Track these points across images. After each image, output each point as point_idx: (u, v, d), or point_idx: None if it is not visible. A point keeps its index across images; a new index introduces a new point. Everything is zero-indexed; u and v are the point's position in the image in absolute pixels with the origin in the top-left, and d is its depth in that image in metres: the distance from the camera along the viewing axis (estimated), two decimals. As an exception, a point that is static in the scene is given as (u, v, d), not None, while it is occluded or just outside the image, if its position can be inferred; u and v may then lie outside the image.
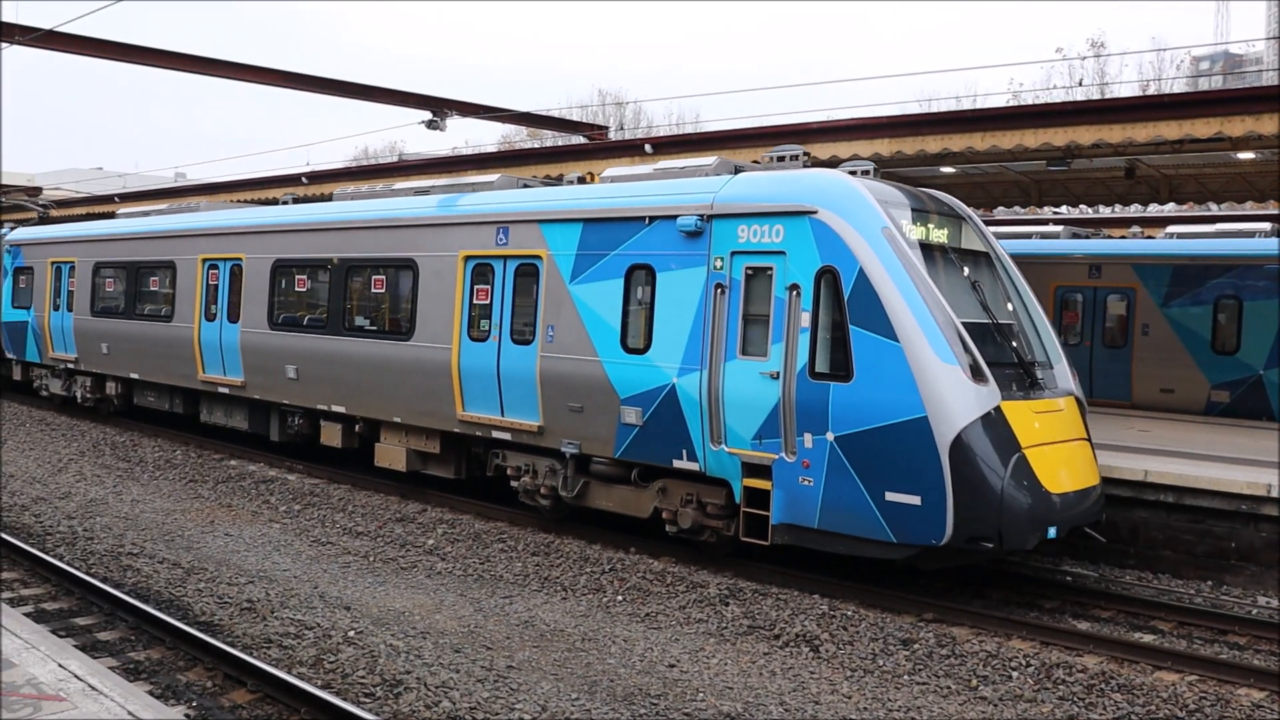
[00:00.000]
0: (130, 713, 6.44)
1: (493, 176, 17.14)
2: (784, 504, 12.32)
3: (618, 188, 14.65)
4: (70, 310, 26.06)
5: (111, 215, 29.07)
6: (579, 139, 29.97)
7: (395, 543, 14.88)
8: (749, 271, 12.75)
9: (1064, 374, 12.98)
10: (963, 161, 18.44)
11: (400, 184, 19.26)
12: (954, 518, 11.21)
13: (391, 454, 17.47)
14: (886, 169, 20.12)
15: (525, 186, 16.58)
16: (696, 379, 13.04)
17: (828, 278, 12.06)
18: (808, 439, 12.06)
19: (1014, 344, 12.56)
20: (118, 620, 11.07)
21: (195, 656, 9.95)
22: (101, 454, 21.51)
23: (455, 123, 26.53)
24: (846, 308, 11.83)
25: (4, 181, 63.75)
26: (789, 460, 12.23)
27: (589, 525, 15.39)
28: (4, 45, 20.03)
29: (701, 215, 13.15)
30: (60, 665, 7.22)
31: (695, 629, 11.49)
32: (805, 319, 12.17)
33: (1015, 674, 10.20)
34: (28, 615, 10.25)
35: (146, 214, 25.51)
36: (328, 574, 13.14)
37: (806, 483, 12.10)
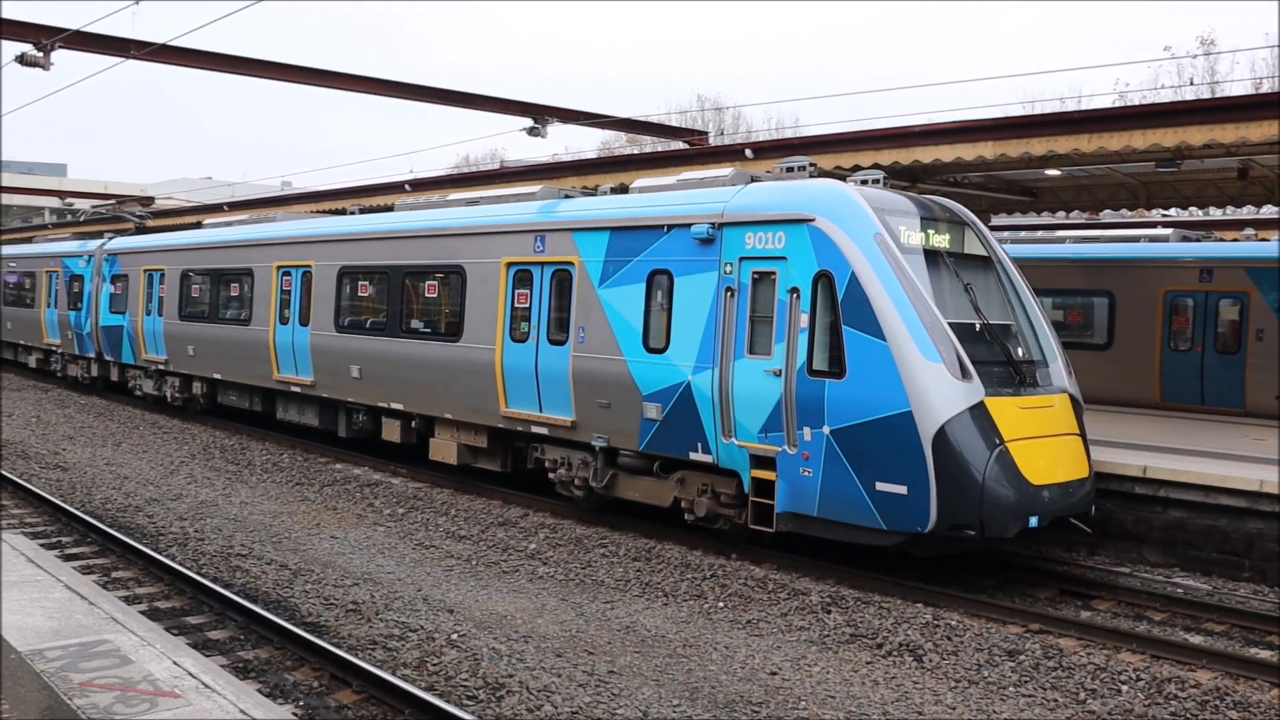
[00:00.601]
0: (242, 711, 6.56)
1: (535, 188, 18.32)
2: (787, 493, 13.17)
3: (641, 198, 15.70)
4: (160, 315, 27.69)
5: (199, 225, 30.57)
6: (679, 144, 29.99)
7: (497, 547, 14.99)
8: (755, 275, 13.66)
9: (1059, 372, 13.59)
10: (1068, 164, 18.09)
11: (454, 195, 20.52)
12: (937, 506, 11.95)
13: (444, 448, 18.64)
14: (990, 172, 19.85)
15: (566, 197, 17.54)
16: (709, 376, 13.99)
17: (824, 281, 12.92)
18: (806, 432, 12.92)
19: (1005, 343, 13.16)
20: (227, 620, 11.29)
21: (302, 656, 10.12)
22: (211, 457, 22.01)
23: (555, 129, 26.72)
24: (840, 309, 12.69)
25: (119, 192, 65.57)
26: (791, 452, 13.11)
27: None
28: (121, 59, 20.60)
29: (713, 223, 14.12)
30: (175, 663, 7.38)
31: (797, 636, 11.41)
32: (804, 320, 13.04)
33: (1125, 688, 9.97)
34: (143, 613, 10.49)
35: (229, 224, 26.89)
36: (431, 577, 13.28)
37: (806, 473, 12.95)
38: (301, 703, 9.14)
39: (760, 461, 13.53)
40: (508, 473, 18.03)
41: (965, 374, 12.17)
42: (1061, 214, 29.54)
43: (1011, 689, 9.97)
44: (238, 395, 24.88)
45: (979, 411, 12.11)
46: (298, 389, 22.13)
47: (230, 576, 13.00)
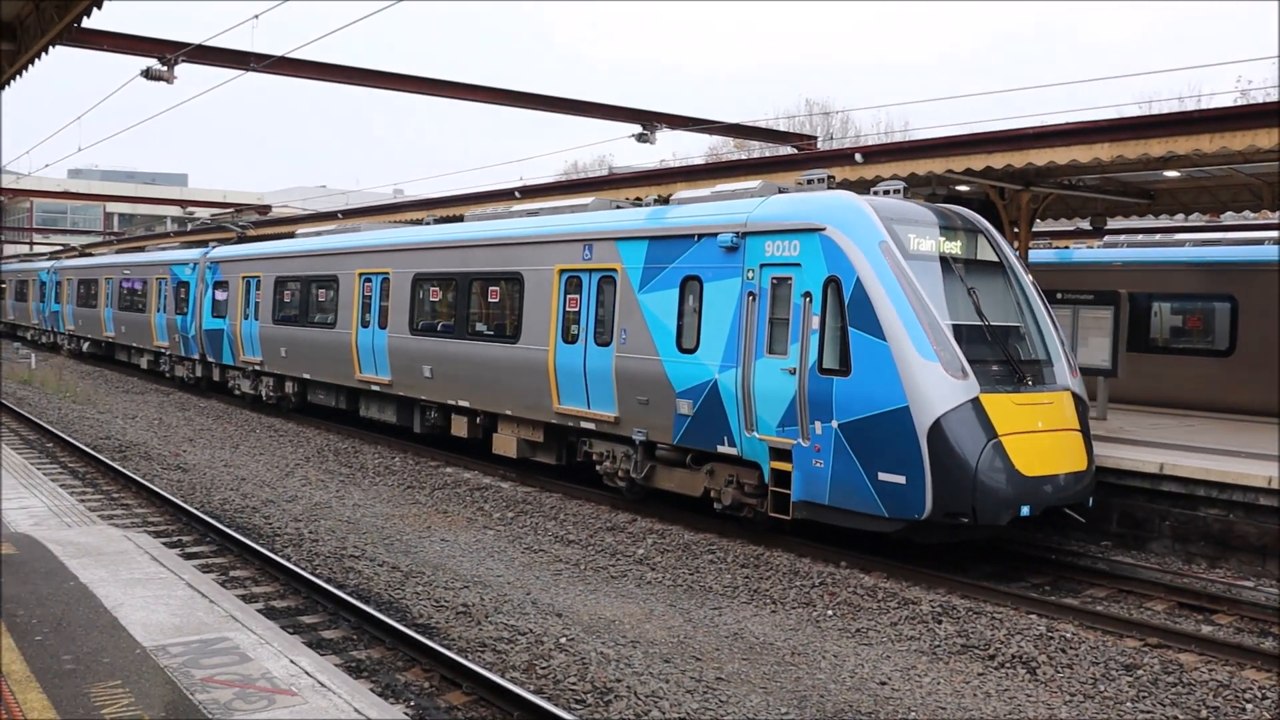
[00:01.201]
0: (357, 710, 6.66)
1: (588, 199, 19.80)
2: (802, 483, 14.13)
3: (677, 209, 16.87)
4: (256, 319, 29.47)
5: (292, 235, 32.47)
6: (788, 149, 29.84)
7: (605, 551, 15.05)
8: (774, 281, 14.71)
9: (1063, 372, 14.37)
10: (1188, 165, 17.62)
11: (516, 206, 22.27)
12: (932, 495, 12.86)
13: (505, 443, 19.95)
14: (1106, 174, 19.41)
15: (617, 208, 18.78)
16: (733, 374, 15.06)
17: (833, 286, 13.89)
18: (818, 426, 13.88)
19: (1006, 344, 14.01)
20: (340, 620, 11.49)
21: (413, 657, 10.25)
22: (325, 459, 22.43)
23: (663, 135, 26.74)
24: (847, 312, 13.66)
25: (237, 200, 67.16)
26: (804, 445, 14.07)
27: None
28: (241, 72, 21.11)
29: (737, 233, 15.25)
30: (292, 661, 7.52)
31: (907, 646, 11.27)
32: (815, 322, 14.02)
33: (1250, 706, 9.66)
34: (260, 612, 10.72)
35: (319, 234, 28.81)
36: (540, 581, 13.37)
37: (818, 465, 13.89)
38: (413, 703, 9.26)
39: (778, 453, 14.54)
40: (563, 465, 19.24)
41: (961, 372, 13.07)
42: (1180, 216, 28.78)
43: (1129, 704, 9.73)
44: (325, 394, 26.52)
45: (973, 407, 12.99)
46: (377, 388, 23.63)
47: (344, 577, 13.22)
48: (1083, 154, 15.84)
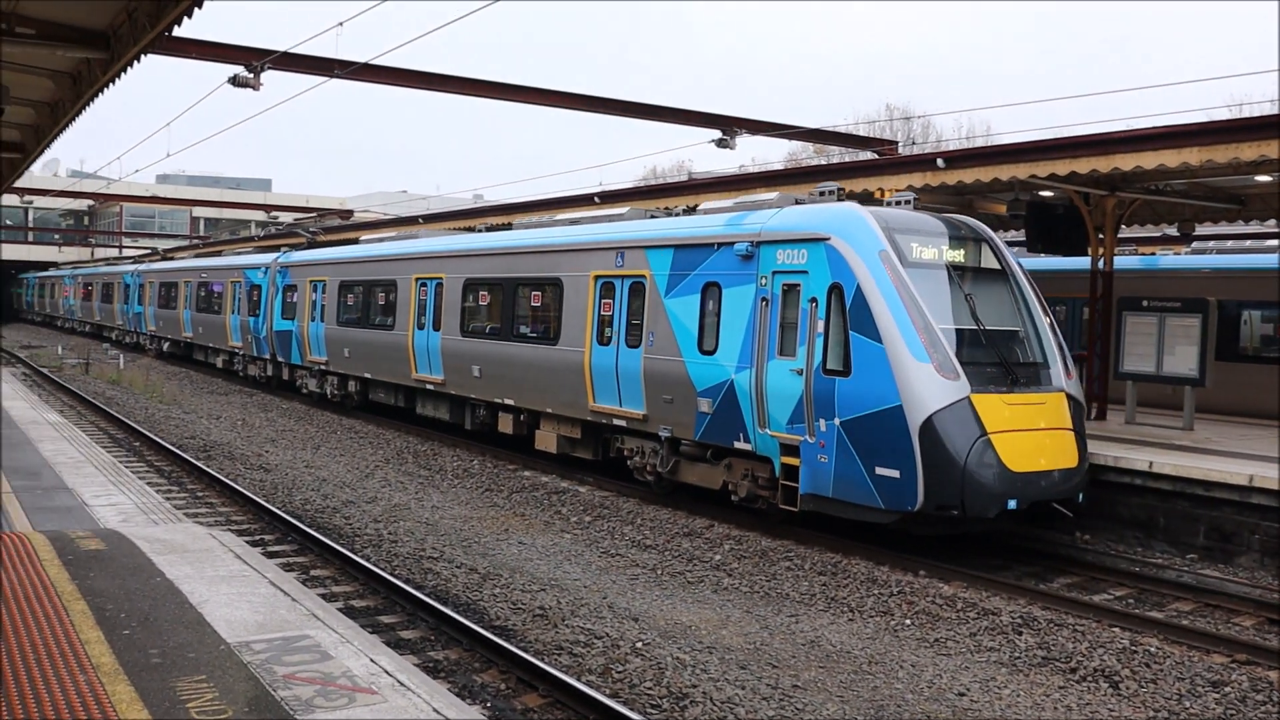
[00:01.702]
0: (435, 710, 6.73)
1: (624, 209, 21.25)
2: (808, 477, 15.14)
3: (699, 219, 18.20)
4: (322, 320, 31.10)
5: (355, 241, 34.10)
6: (868, 154, 29.66)
7: (682, 557, 15.04)
8: (785, 287, 15.79)
9: (1058, 374, 15.22)
10: (1282, 171, 17.23)
11: (560, 215, 23.85)
12: (924, 488, 13.78)
13: (547, 439, 21.13)
14: (1195, 179, 19.05)
15: (652, 218, 20.11)
16: (748, 375, 16.14)
17: (836, 292, 14.94)
18: (822, 423, 14.89)
19: (1001, 347, 14.94)
20: (418, 620, 11.60)
21: (490, 659, 10.33)
22: (405, 461, 22.67)
23: (743, 140, 26.70)
24: (848, 316, 14.68)
25: (319, 205, 68.09)
26: (810, 441, 15.09)
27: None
28: (325, 79, 21.43)
29: (752, 242, 16.35)
30: (372, 660, 7.61)
31: (986, 657, 11.13)
32: (821, 326, 15.07)
33: (1342, 724, 9.42)
34: (340, 611, 10.86)
35: (380, 240, 30.24)
36: (616, 585, 13.40)
37: (823, 460, 14.89)
38: (489, 704, 9.33)
39: (788, 449, 15.56)
40: (599, 460, 20.44)
41: (953, 373, 14.02)
42: (1272, 222, 28.15)
43: (1216, 720, 9.53)
44: (385, 393, 28.02)
45: (964, 406, 13.94)
46: (431, 387, 25.02)
47: (422, 578, 13.35)
48: (1171, 158, 15.56)
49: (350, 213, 59.05)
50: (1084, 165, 16.40)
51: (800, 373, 15.27)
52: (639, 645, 10.85)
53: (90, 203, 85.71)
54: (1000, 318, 15.39)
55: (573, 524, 17.03)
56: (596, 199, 26.54)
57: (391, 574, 13.16)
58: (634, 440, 19.02)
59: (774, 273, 16.00)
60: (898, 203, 16.32)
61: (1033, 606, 12.75)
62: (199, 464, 20.52)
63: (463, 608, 12.08)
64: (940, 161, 18.34)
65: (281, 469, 21.21)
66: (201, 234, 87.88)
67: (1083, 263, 23.34)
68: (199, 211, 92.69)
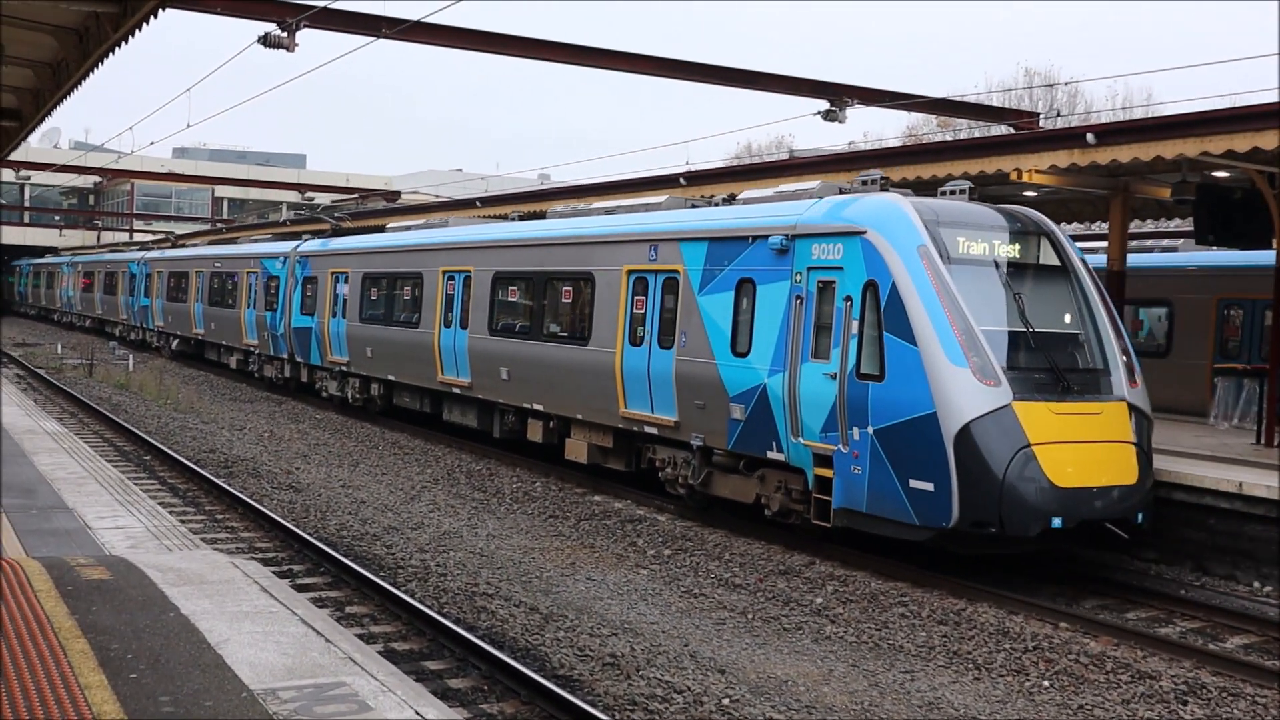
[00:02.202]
0: (488, 773, 6.71)
1: (661, 198, 22.26)
2: (841, 490, 15.95)
3: (735, 210, 19.22)
4: (344, 317, 32.18)
5: (382, 229, 35.17)
6: (1003, 128, 29.35)
7: (778, 599, 14.96)
8: (820, 285, 16.63)
9: (1120, 382, 15.90)
10: None
11: (595, 204, 24.69)
12: (959, 503, 14.56)
13: (577, 448, 22.15)
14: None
15: (693, 207, 21.03)
16: (781, 379, 16.99)
17: (871, 290, 15.74)
18: (855, 432, 15.69)
19: (1053, 351, 15.69)
20: (470, 667, 11.63)
21: (552, 715, 10.31)
22: (456, 482, 22.80)
23: (853, 112, 26.53)
24: (883, 317, 15.48)
25: (361, 185, 68.80)
26: (844, 451, 15.89)
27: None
28: (371, 39, 21.60)
29: (787, 235, 17.20)
30: (417, 713, 7.62)
31: (1141, 727, 10.92)
32: (855, 326, 15.87)
33: None
34: (380, 654, 10.91)
35: (408, 228, 31.67)
36: (700, 630, 13.34)
37: (856, 471, 15.68)
38: (552, 767, 9.31)
39: (821, 460, 16.36)
40: (632, 472, 21.36)
41: (993, 378, 14.81)
42: None
43: None
44: (410, 397, 29.20)
45: (1004, 414, 14.68)
46: (457, 390, 26.21)
47: (474, 618, 13.39)
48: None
49: (397, 194, 59.59)
50: (1270, 140, 16.04)
51: (834, 377, 16.09)
52: (726, 702, 10.78)
53: (96, 179, 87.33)
54: (1056, 319, 16.14)
55: (650, 558, 17.01)
56: (683, 180, 26.53)
57: (439, 612, 13.22)
58: (666, 450, 19.98)
59: (809, 269, 16.82)
60: (951, 192, 17.27)
61: (1200, 671, 12.49)
62: (219, 482, 20.80)
63: (521, 653, 12.09)
64: (1090, 137, 18.08)
65: (314, 489, 21.44)
66: (224, 217, 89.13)
67: (1264, 257, 22.86)
68: (222, 191, 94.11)
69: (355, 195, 58.20)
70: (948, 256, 15.65)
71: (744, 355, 17.78)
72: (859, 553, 16.77)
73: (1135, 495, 15.29)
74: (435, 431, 28.46)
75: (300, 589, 14.01)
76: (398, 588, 14.29)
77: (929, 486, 14.83)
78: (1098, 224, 30.16)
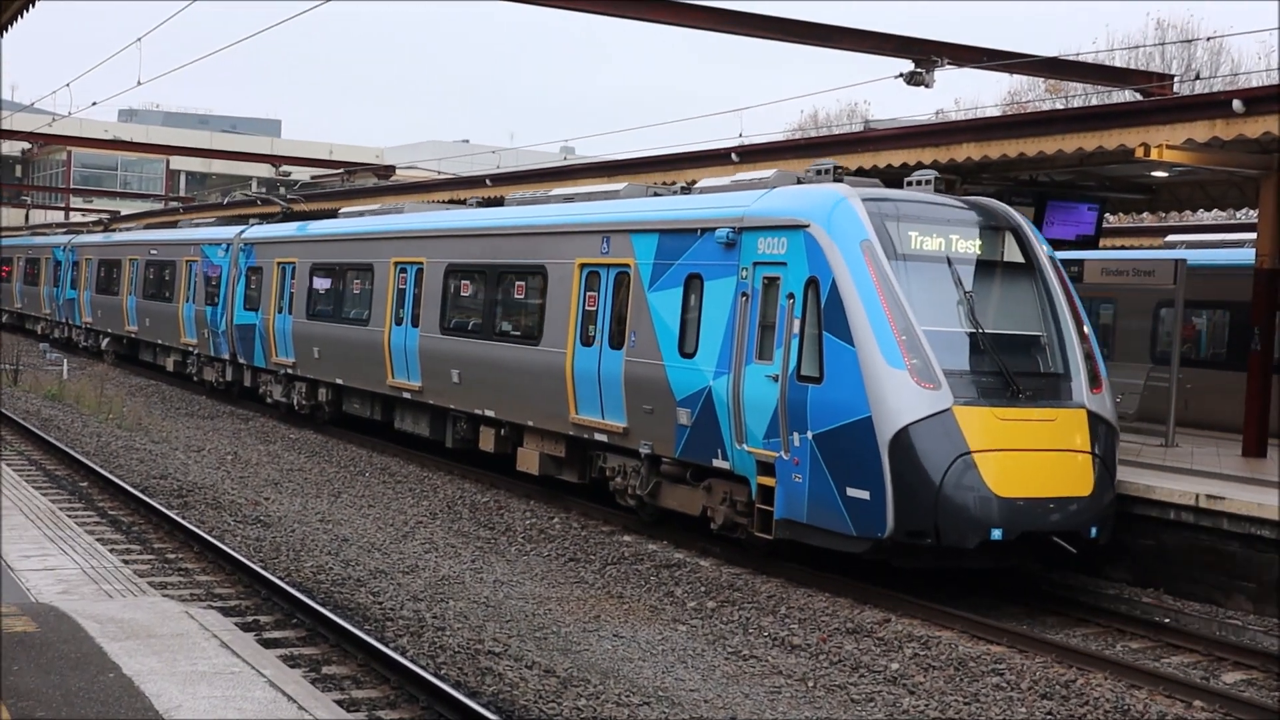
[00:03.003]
0: None
1: (619, 185, 24.22)
2: (783, 499, 17.68)
3: (684, 200, 21.44)
4: (290, 313, 33.96)
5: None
6: (1127, 94, 29.25)
7: (844, 664, 14.93)
8: (765, 281, 18.40)
9: (1080, 388, 17.56)
10: None
11: (556, 190, 26.84)
12: (894, 512, 16.30)
13: (529, 458, 24.00)
14: None
15: (656, 195, 23.00)
16: (726, 381, 18.75)
17: (813, 288, 17.44)
18: (796, 437, 17.38)
19: (1006, 353, 17.40)
20: (473, 742, 11.62)
21: (572, 801, 10.31)
22: (457, 516, 22.84)
23: (943, 75, 26.44)
24: (822, 315, 17.20)
25: (346, 159, 69.05)
26: (785, 458, 17.59)
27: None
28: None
29: (733, 228, 18.96)
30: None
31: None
32: (797, 325, 17.57)
33: None
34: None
35: (361, 214, 33.53)
36: (750, 700, 13.32)
37: (797, 479, 17.38)
38: None
39: (764, 467, 18.11)
40: (585, 484, 23.21)
41: (932, 381, 16.47)
42: None
43: None
44: (360, 403, 31.13)
45: (943, 419, 16.34)
46: (408, 395, 28.10)
47: (478, 681, 13.39)
48: None
49: (390, 169, 59.72)
50: None
51: (776, 379, 17.83)
52: (783, 789, 10.76)
53: (25, 146, 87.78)
54: (1015, 320, 18.06)
55: (690, 611, 17.00)
56: (735, 157, 26.49)
57: (436, 674, 13.21)
58: (617, 458, 21.82)
59: (755, 264, 18.57)
60: (917, 183, 18.90)
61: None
62: (171, 514, 20.84)
63: (533, 727, 12.09)
64: (1237, 104, 17.98)
65: (287, 523, 21.51)
66: (182, 194, 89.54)
67: None
68: (179, 162, 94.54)
69: (340, 170, 58.40)
70: (894, 252, 17.35)
71: (691, 356, 19.57)
72: (943, 609, 16.75)
73: (1089, 508, 16.93)
74: (433, 455, 28.54)
75: (268, 644, 14.03)
76: (386, 644, 14.29)
77: (865, 495, 16.48)
78: (1244, 212, 30.04)
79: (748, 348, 18.38)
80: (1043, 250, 18.41)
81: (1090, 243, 25.48)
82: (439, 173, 57.10)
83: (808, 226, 17.64)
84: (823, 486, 16.98)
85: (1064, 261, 19.43)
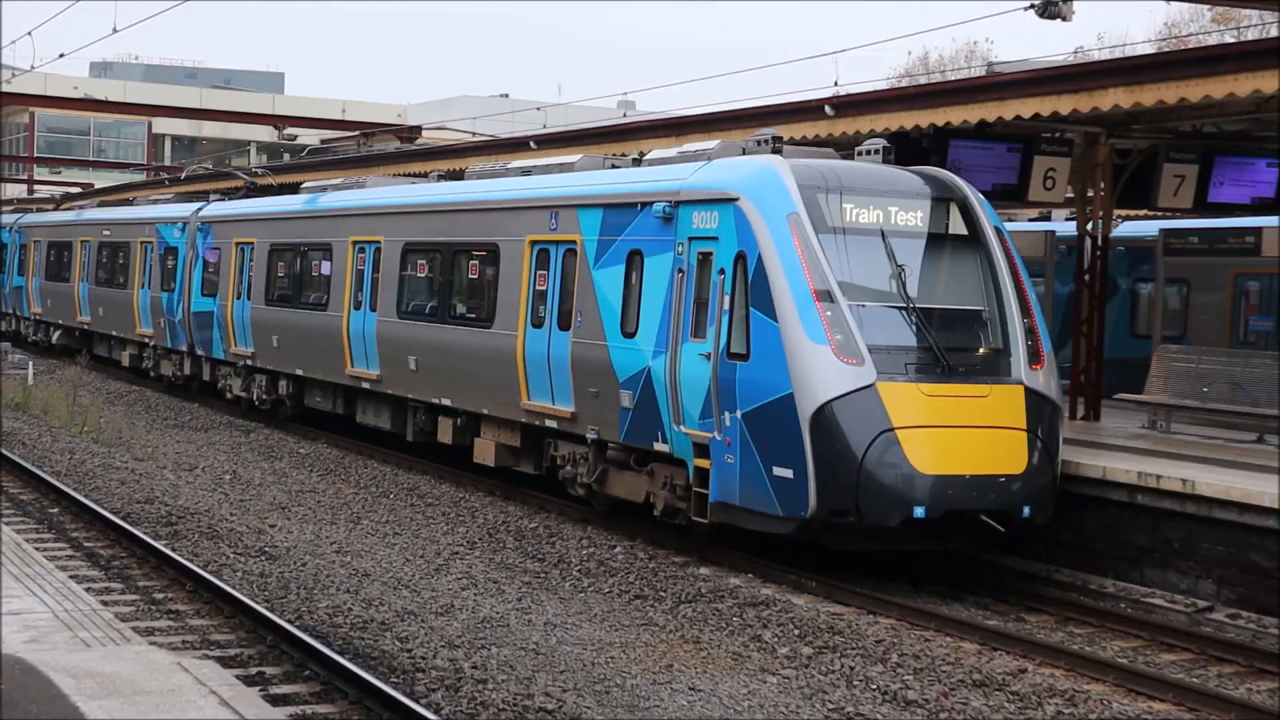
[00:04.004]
0: None
1: (574, 157, 26.88)
2: (717, 481, 20.28)
3: (631, 172, 24.26)
4: (249, 298, 36.61)
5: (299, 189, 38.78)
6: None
7: (971, 723, 14.89)
8: (700, 256, 21.07)
9: (1018, 364, 20.03)
10: None
11: (514, 162, 29.87)
12: (816, 491, 18.79)
13: (485, 448, 26.89)
14: None
15: (614, 168, 25.55)
16: (664, 361, 21.34)
17: (741, 263, 20.06)
18: (726, 417, 19.93)
19: (938, 329, 19.87)
20: (522, 818, 11.64)
21: None
22: (500, 545, 22.81)
23: (1082, 8, 26.21)
24: (750, 291, 19.78)
25: (361, 119, 69.19)
26: (718, 439, 20.17)
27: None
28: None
29: (670, 202, 21.65)
30: None
31: None
32: (727, 302, 20.14)
33: None
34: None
35: (324, 189, 35.75)
36: (856, 767, 13.29)
37: (730, 460, 19.95)
38: None
39: (700, 449, 20.68)
40: (542, 475, 25.97)
41: (855, 356, 18.93)
42: None
43: None
44: (321, 395, 34.22)
45: (865, 395, 18.82)
46: (367, 384, 30.98)
47: (527, 746, 13.40)
48: None
49: (416, 130, 59.79)
50: None
51: (709, 357, 20.39)
52: None
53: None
54: (954, 295, 20.66)
55: (781, 659, 16.96)
56: (829, 109, 26.34)
57: (475, 738, 13.23)
58: (567, 445, 24.61)
59: (690, 239, 21.29)
60: (866, 152, 21.70)
61: None
62: (159, 546, 20.90)
63: (595, 799, 12.10)
64: None
65: (296, 555, 21.53)
66: (167, 163, 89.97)
67: None
68: (164, 125, 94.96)
69: (355, 133, 58.49)
70: (824, 225, 19.89)
71: (632, 336, 22.30)
72: (1092, 656, 16.64)
73: (1022, 487, 19.34)
74: (469, 473, 28.57)
75: (276, 701, 14.10)
76: (416, 699, 14.32)
77: (789, 474, 19.04)
78: None
79: (684, 326, 21.03)
80: (989, 223, 20.90)
81: (1272, 207, 25.27)
82: (473, 134, 57.14)
83: (737, 200, 20.27)
84: (752, 467, 19.56)
85: (1237, 230, 21.08)
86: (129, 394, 43.77)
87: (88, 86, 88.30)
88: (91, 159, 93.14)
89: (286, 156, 55.97)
